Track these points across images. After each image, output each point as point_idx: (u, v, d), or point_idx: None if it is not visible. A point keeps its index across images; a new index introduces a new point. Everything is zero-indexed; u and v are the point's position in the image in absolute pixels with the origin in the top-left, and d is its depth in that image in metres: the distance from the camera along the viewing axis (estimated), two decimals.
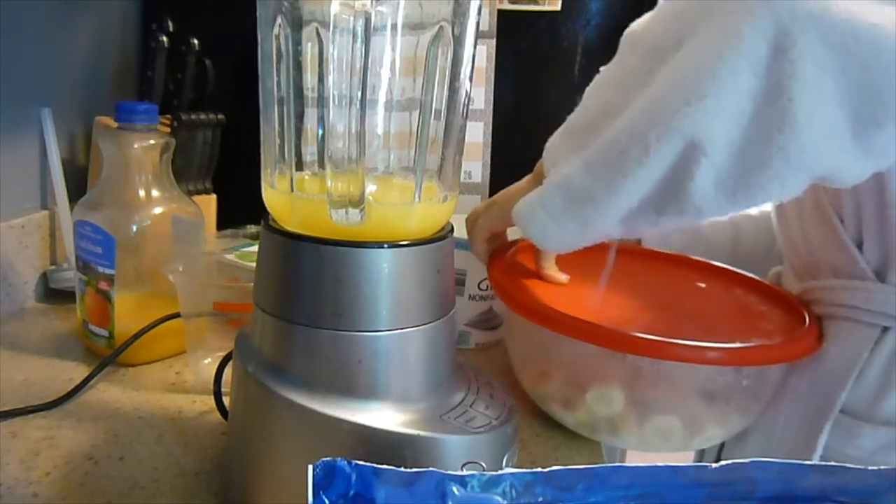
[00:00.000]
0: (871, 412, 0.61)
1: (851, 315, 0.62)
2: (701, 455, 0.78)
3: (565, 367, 0.63)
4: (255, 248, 0.56)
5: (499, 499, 0.30)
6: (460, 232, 0.76)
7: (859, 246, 0.61)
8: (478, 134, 1.03)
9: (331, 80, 0.40)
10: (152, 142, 0.71)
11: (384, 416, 0.43)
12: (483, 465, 0.43)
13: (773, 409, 0.66)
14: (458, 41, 0.44)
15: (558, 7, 1.01)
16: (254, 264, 0.55)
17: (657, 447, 0.61)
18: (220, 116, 0.95)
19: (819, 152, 0.44)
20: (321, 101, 0.44)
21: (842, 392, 0.61)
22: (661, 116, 0.46)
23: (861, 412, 0.61)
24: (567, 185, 0.52)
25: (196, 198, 0.91)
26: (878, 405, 0.60)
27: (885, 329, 0.60)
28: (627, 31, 0.55)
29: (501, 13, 1.01)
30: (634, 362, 0.57)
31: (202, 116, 0.93)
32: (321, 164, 0.46)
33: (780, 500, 0.32)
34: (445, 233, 0.47)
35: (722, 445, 0.74)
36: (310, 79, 0.44)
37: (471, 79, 0.47)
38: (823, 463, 0.32)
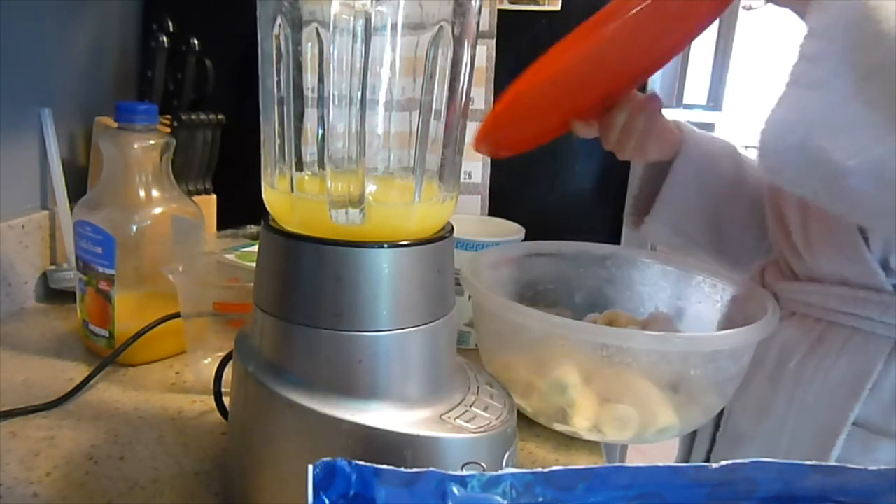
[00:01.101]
0: (887, 425, 0.60)
1: (863, 326, 0.61)
2: (686, 461, 0.78)
3: (524, 356, 0.64)
4: (255, 248, 0.56)
5: (499, 499, 0.30)
6: (460, 232, 0.77)
7: (884, 261, 0.60)
8: None
9: (331, 80, 0.40)
10: (152, 142, 0.71)
11: (384, 416, 0.43)
12: (483, 465, 0.43)
13: (779, 419, 0.65)
14: (458, 41, 0.44)
15: (558, 7, 1.01)
16: (254, 264, 0.55)
17: (613, 436, 0.61)
18: (220, 116, 0.95)
19: None
20: (321, 101, 0.44)
21: (855, 404, 0.60)
22: None
23: (877, 425, 0.60)
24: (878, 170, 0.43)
25: (196, 198, 0.91)
26: (894, 418, 0.59)
27: None
28: None
29: (501, 13, 1.01)
30: (587, 350, 0.58)
31: (202, 116, 0.93)
32: (321, 164, 0.46)
33: (780, 500, 0.32)
34: (445, 233, 0.47)
35: (708, 454, 0.73)
36: (310, 79, 0.44)
37: (471, 79, 0.46)
38: (824, 463, 0.32)
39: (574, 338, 0.58)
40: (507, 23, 1.01)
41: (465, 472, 0.30)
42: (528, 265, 0.78)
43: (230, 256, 0.76)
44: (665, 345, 0.58)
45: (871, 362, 0.60)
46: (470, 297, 0.78)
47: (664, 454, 0.85)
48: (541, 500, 0.31)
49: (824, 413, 0.62)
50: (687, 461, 0.77)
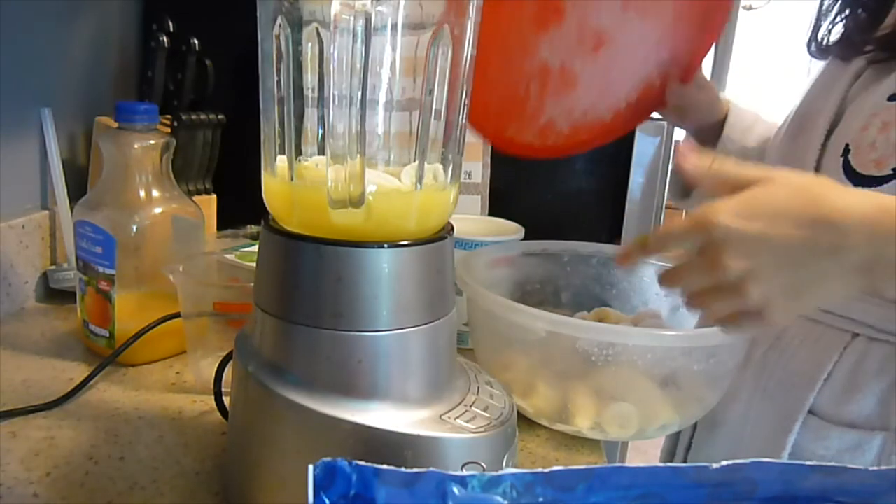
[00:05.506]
0: (837, 414, 0.62)
1: (824, 319, 0.63)
2: (674, 447, 0.79)
3: (525, 356, 0.64)
4: (255, 248, 0.56)
5: (499, 499, 0.30)
6: (460, 232, 0.77)
7: None
8: None
9: (331, 80, 0.40)
10: (152, 142, 0.71)
11: (384, 416, 0.43)
12: (483, 465, 0.43)
13: (744, 405, 0.68)
14: (458, 41, 0.44)
15: None
16: (254, 264, 0.55)
17: (615, 434, 0.62)
18: (220, 116, 0.95)
19: None
20: (321, 101, 0.43)
21: (811, 394, 0.63)
22: None
23: (829, 414, 0.63)
24: None
25: (196, 198, 0.91)
26: (844, 408, 0.62)
27: (855, 335, 0.62)
28: None
29: None
30: (586, 348, 0.58)
31: (202, 116, 0.93)
32: None
33: (780, 500, 0.32)
34: (445, 233, 0.47)
35: (691, 440, 0.74)
36: (310, 79, 0.44)
37: (471, 79, 0.47)
38: (824, 463, 0.32)
39: (578, 336, 0.58)
40: None
41: (465, 472, 0.30)
42: (515, 265, 0.78)
43: (230, 256, 0.76)
44: (668, 341, 0.59)
45: (827, 354, 0.63)
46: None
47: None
48: (541, 500, 0.31)
49: (783, 401, 0.65)
50: (674, 446, 0.79)
